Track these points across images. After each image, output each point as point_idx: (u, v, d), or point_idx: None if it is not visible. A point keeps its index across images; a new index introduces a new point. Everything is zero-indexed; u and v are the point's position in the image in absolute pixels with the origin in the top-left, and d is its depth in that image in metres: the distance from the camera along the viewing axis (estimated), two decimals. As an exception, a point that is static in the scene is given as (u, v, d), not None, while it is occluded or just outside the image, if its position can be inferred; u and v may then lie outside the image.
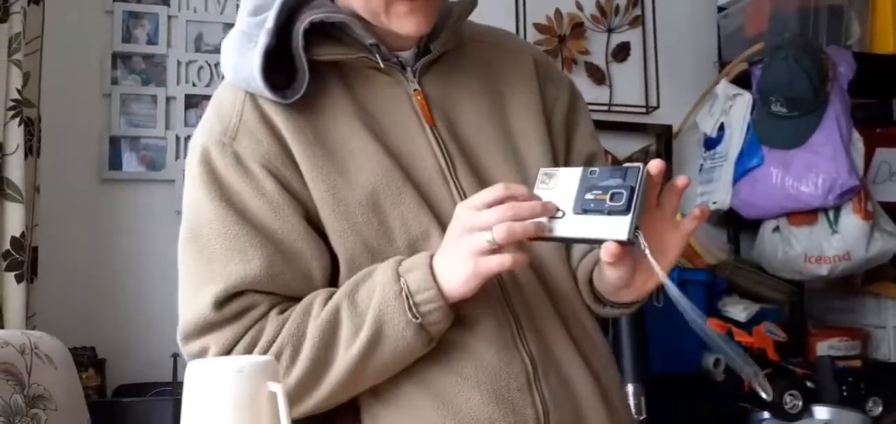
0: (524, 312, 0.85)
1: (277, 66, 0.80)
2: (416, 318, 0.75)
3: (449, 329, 0.80)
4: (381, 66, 0.84)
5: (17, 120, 1.50)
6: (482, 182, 0.85)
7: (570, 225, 0.71)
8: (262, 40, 0.78)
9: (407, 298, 0.75)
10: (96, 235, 1.89)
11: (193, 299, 0.79)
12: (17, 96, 1.49)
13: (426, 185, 0.84)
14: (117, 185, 1.93)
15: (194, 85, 1.98)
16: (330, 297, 0.79)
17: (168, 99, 1.96)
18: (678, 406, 1.81)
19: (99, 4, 1.93)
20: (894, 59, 1.97)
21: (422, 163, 0.84)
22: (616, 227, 0.69)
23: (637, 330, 1.60)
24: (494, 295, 0.84)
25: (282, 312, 0.80)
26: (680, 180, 0.76)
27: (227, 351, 0.79)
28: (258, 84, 0.79)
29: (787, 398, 1.76)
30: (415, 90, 0.86)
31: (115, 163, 1.93)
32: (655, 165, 0.73)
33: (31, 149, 1.61)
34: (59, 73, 1.84)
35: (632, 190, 0.68)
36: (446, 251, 0.76)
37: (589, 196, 0.70)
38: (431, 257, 0.77)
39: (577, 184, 0.72)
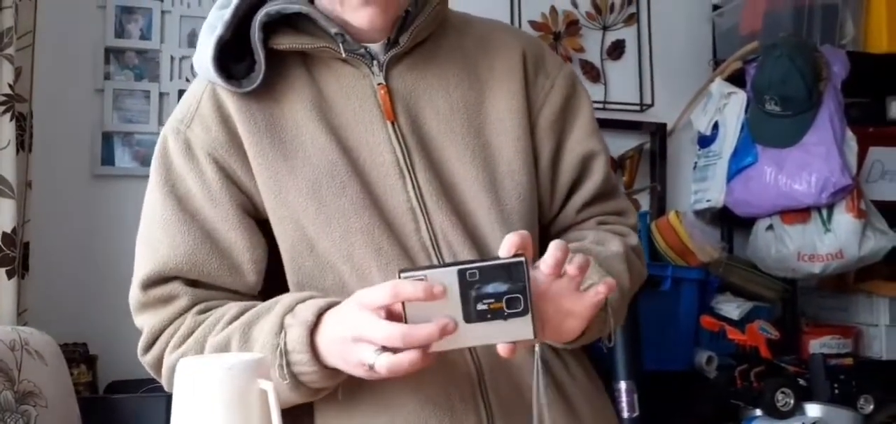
0: None
1: (239, 56, 0.81)
2: (286, 379, 0.72)
3: None
4: (343, 56, 0.82)
5: (9, 115, 1.49)
6: (441, 178, 0.83)
7: (467, 336, 0.67)
8: (217, 31, 0.79)
9: (281, 355, 0.72)
10: (88, 231, 1.88)
11: (133, 278, 0.84)
12: (8, 91, 1.48)
13: (378, 181, 0.82)
14: (110, 181, 1.92)
15: (187, 80, 1.97)
16: (239, 314, 0.78)
17: (161, 94, 1.96)
18: (671, 404, 1.82)
19: (92, -1, 1.92)
20: (888, 59, 1.98)
21: (377, 158, 0.83)
22: (520, 330, 0.66)
23: (630, 327, 1.61)
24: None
25: (202, 312, 0.81)
26: (572, 267, 0.71)
27: (155, 337, 0.82)
28: (212, 74, 0.80)
29: (779, 395, 1.77)
30: (379, 84, 0.84)
31: (108, 158, 1.92)
32: (549, 257, 0.69)
33: (23, 143, 1.60)
34: (52, 68, 1.83)
35: (524, 289, 0.65)
36: (335, 330, 0.71)
37: (481, 306, 0.66)
38: (320, 314, 0.72)
39: (458, 291, 0.66)
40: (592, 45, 2.25)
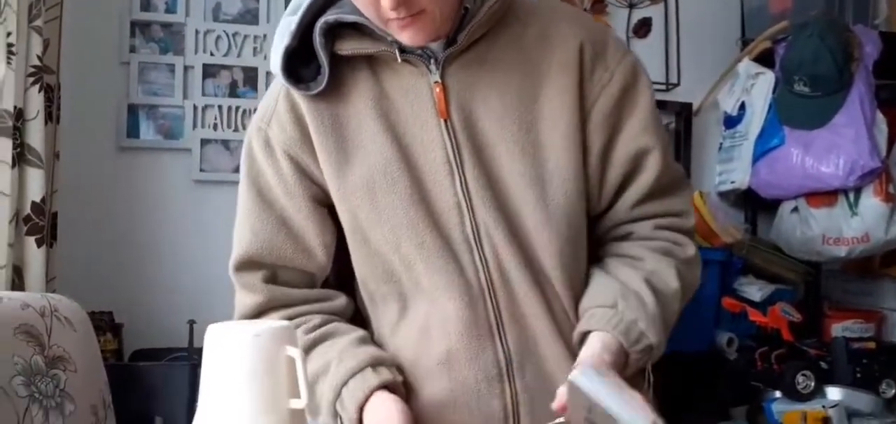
0: (507, 303, 0.86)
1: (309, 60, 0.87)
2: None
3: (428, 310, 0.86)
4: (398, 59, 0.86)
5: (38, 86, 1.50)
6: (489, 175, 0.86)
7: None
8: (285, 41, 0.85)
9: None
10: (114, 202, 1.91)
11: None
12: (37, 62, 1.50)
13: (429, 176, 0.86)
14: (135, 153, 1.94)
15: (212, 54, 1.98)
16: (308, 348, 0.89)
17: (186, 68, 1.97)
18: (690, 385, 1.82)
19: (118, -29, 1.93)
20: (922, 40, 1.93)
21: (429, 155, 0.86)
22: None
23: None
24: (475, 283, 0.85)
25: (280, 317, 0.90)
26: None
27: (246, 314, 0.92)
28: (282, 80, 0.87)
29: (800, 378, 1.76)
30: (435, 82, 0.86)
31: (133, 131, 1.94)
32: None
33: (51, 115, 1.62)
34: (78, 41, 1.84)
35: None
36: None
37: None
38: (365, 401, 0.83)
39: None
40: (619, 23, 2.22)
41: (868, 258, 1.99)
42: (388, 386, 0.84)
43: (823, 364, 1.80)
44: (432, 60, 0.87)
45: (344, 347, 0.87)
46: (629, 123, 0.90)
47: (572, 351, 0.86)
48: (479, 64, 0.88)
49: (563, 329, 0.87)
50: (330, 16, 0.84)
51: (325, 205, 0.90)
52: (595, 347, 0.82)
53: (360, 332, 0.91)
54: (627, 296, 0.84)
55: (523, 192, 0.85)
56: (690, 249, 0.92)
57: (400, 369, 0.89)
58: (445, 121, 0.86)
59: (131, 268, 1.91)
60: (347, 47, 0.86)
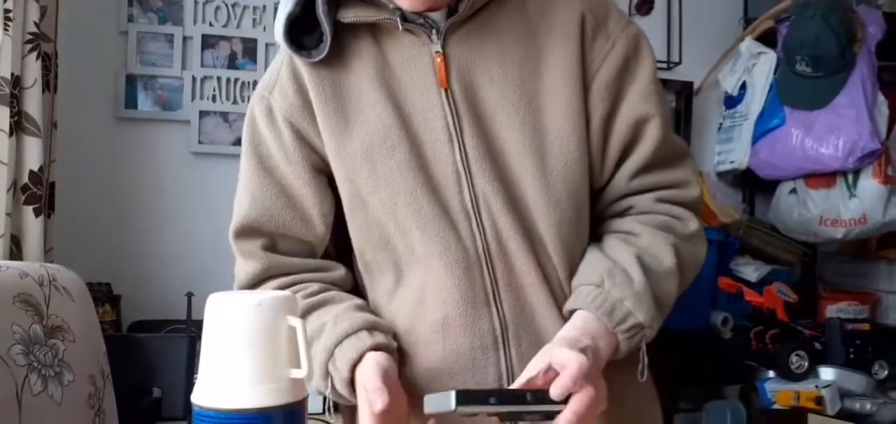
0: (504, 272, 0.85)
1: (312, 28, 0.87)
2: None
3: (423, 277, 0.86)
4: (400, 28, 0.85)
5: (35, 53, 1.49)
6: (488, 143, 0.85)
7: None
8: (285, 8, 0.86)
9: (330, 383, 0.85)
10: (112, 173, 1.91)
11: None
12: (34, 29, 1.48)
13: (428, 145, 0.86)
14: (133, 124, 1.93)
15: (211, 24, 1.97)
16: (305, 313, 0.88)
17: (185, 39, 1.95)
18: (686, 363, 1.83)
19: (115, -62, 1.91)
20: (926, 22, 1.93)
21: (429, 123, 0.86)
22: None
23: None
24: (472, 251, 0.85)
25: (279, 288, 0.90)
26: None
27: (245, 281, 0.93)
28: (284, 46, 0.87)
29: (794, 358, 1.77)
30: (437, 51, 0.86)
31: (131, 101, 1.93)
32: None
33: (48, 84, 1.61)
34: (76, 9, 1.83)
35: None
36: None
37: None
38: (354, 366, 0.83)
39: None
40: (621, 0, 2.20)
41: (864, 240, 2.00)
42: (382, 349, 0.84)
43: (817, 345, 1.82)
44: (434, 30, 0.86)
45: (340, 312, 0.87)
46: (630, 91, 0.88)
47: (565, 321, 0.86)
48: (480, 34, 0.88)
49: (560, 299, 0.87)
50: None
51: (324, 174, 0.90)
52: (572, 329, 0.81)
53: (356, 300, 0.91)
54: (614, 274, 0.83)
55: (523, 161, 0.85)
56: (692, 224, 0.90)
57: (395, 336, 0.89)
58: (446, 90, 0.86)
59: (129, 240, 1.91)
60: (350, 15, 0.86)
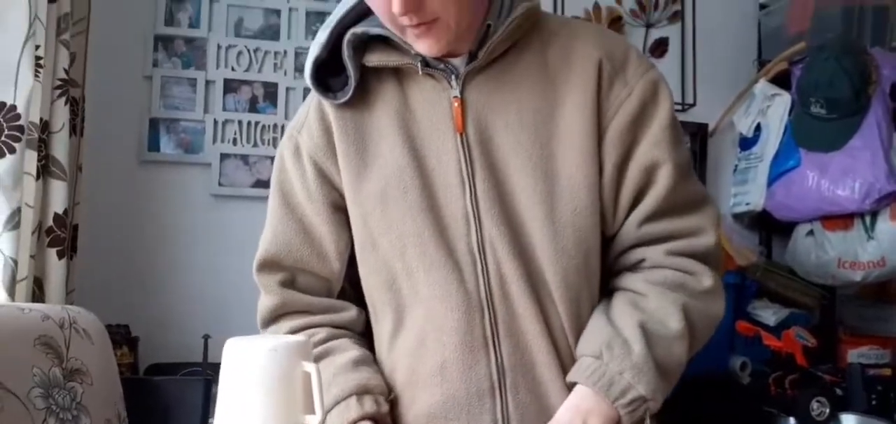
0: (505, 316, 0.86)
1: (337, 71, 0.91)
2: None
3: (425, 320, 0.87)
4: (420, 72, 0.88)
5: (64, 99, 1.53)
6: (499, 188, 0.87)
7: None
8: (313, 52, 0.90)
9: None
10: (134, 215, 1.94)
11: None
12: (64, 76, 1.53)
13: (441, 188, 0.88)
14: (155, 167, 1.97)
15: (233, 69, 2.01)
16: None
17: (207, 82, 2.00)
18: (703, 409, 1.80)
19: (143, -13, 1.97)
20: (940, 63, 1.92)
21: (443, 166, 0.88)
22: None
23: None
24: (474, 293, 0.86)
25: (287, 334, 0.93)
26: None
27: (261, 322, 0.98)
28: (311, 88, 0.92)
29: (815, 404, 1.74)
30: (454, 96, 0.89)
31: (154, 144, 1.97)
32: None
33: (75, 128, 1.65)
34: (104, 54, 1.88)
35: None
36: None
37: None
38: None
39: None
40: (636, 42, 2.22)
41: (884, 283, 1.97)
42: (370, 417, 0.85)
43: (838, 391, 1.78)
44: (454, 75, 0.89)
45: (337, 370, 0.88)
46: (644, 137, 0.88)
47: (565, 371, 0.86)
48: (499, 80, 0.89)
49: (561, 349, 0.87)
50: (358, 29, 0.89)
51: (343, 212, 0.94)
52: (565, 412, 0.82)
53: (357, 352, 0.91)
54: (613, 346, 0.81)
55: (532, 207, 0.86)
56: (706, 279, 0.88)
57: (393, 387, 0.90)
58: (461, 134, 0.88)
59: (148, 282, 1.94)
60: (374, 59, 0.90)
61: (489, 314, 0.86)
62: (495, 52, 0.88)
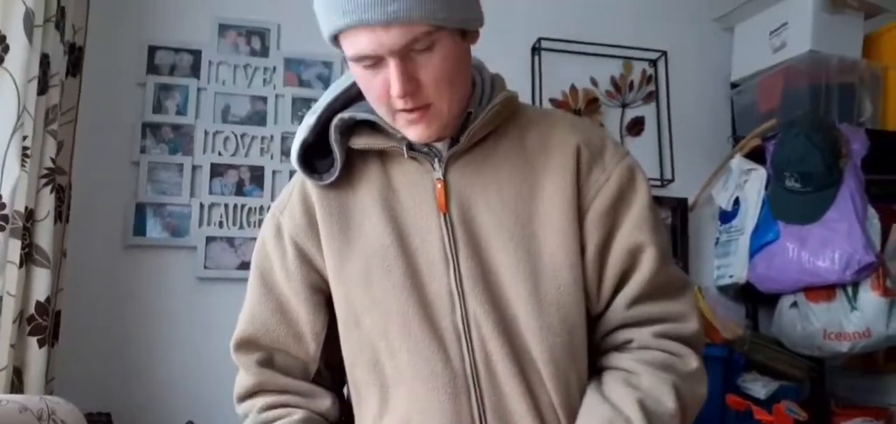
0: (491, 397, 0.86)
1: (326, 153, 0.93)
2: None
3: (410, 402, 0.87)
4: (405, 155, 0.91)
5: (50, 187, 1.54)
6: (483, 266, 0.88)
7: None
8: (300, 135, 0.93)
9: None
10: (118, 300, 1.92)
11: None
12: (50, 164, 1.55)
13: (424, 266, 0.89)
14: (140, 251, 1.96)
15: (220, 154, 2.04)
16: None
17: (194, 167, 2.02)
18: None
19: (133, 76, 2.01)
20: (908, 137, 1.99)
21: (427, 245, 0.90)
22: None
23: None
24: (460, 373, 0.86)
25: (263, 409, 0.93)
26: None
27: (237, 399, 0.98)
28: (298, 170, 0.94)
29: (809, 479, 1.71)
30: (438, 178, 0.91)
31: (140, 229, 1.97)
32: None
33: (61, 214, 1.66)
34: (92, 141, 1.90)
35: None
36: None
37: None
38: None
39: None
40: (612, 122, 2.29)
41: (872, 353, 1.98)
42: None
43: (831, 465, 1.76)
44: (437, 158, 0.91)
45: None
46: (625, 220, 0.91)
47: None
48: (480, 164, 0.92)
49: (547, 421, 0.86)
50: (346, 114, 0.92)
51: (322, 293, 0.94)
52: None
53: None
54: (615, 423, 0.82)
55: (516, 285, 0.87)
56: (693, 362, 0.89)
57: None
58: (445, 214, 0.90)
59: (131, 367, 1.91)
60: (360, 142, 0.93)
61: (476, 394, 0.86)
62: (476, 137, 0.91)
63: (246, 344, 0.96)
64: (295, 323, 0.94)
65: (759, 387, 1.97)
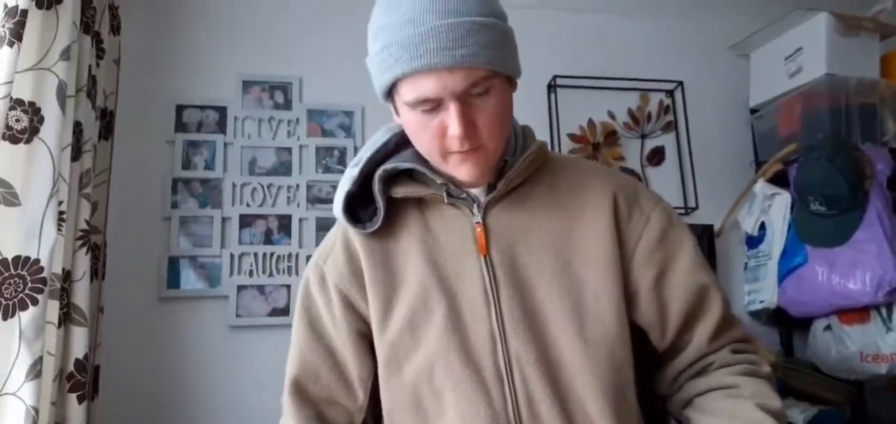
0: (530, 418, 0.88)
1: (367, 203, 0.98)
2: None
3: None
4: (445, 201, 0.95)
5: (85, 248, 1.60)
6: (525, 306, 0.91)
7: None
8: (344, 186, 0.98)
9: None
10: (154, 351, 1.97)
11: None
12: (85, 226, 1.61)
13: (466, 308, 0.92)
14: (174, 303, 2.02)
15: (248, 205, 2.10)
16: None
17: (223, 219, 2.08)
18: None
19: (162, 135, 2.09)
20: (933, 153, 1.95)
21: (468, 287, 0.93)
22: None
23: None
24: (502, 415, 0.88)
25: None
26: None
27: None
28: (342, 219, 0.98)
29: (853, 509, 1.67)
30: (477, 222, 0.95)
31: (173, 281, 2.03)
32: None
33: (97, 272, 1.72)
34: (125, 199, 1.98)
35: None
36: None
37: None
38: None
39: None
40: (632, 153, 2.29)
41: (912, 374, 1.92)
42: None
43: (876, 492, 1.71)
44: (475, 204, 0.96)
45: None
46: (680, 261, 0.95)
47: None
48: (517, 209, 0.96)
49: None
50: (389, 165, 0.97)
51: (366, 339, 0.97)
52: None
53: None
54: None
55: (561, 323, 0.90)
56: (766, 367, 0.95)
57: None
58: (485, 256, 0.93)
59: (169, 416, 1.95)
60: (401, 191, 0.97)
61: (515, 414, 0.88)
62: (513, 183, 0.96)
63: (299, 392, 0.98)
64: (344, 371, 0.97)
65: (798, 414, 1.93)
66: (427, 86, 0.85)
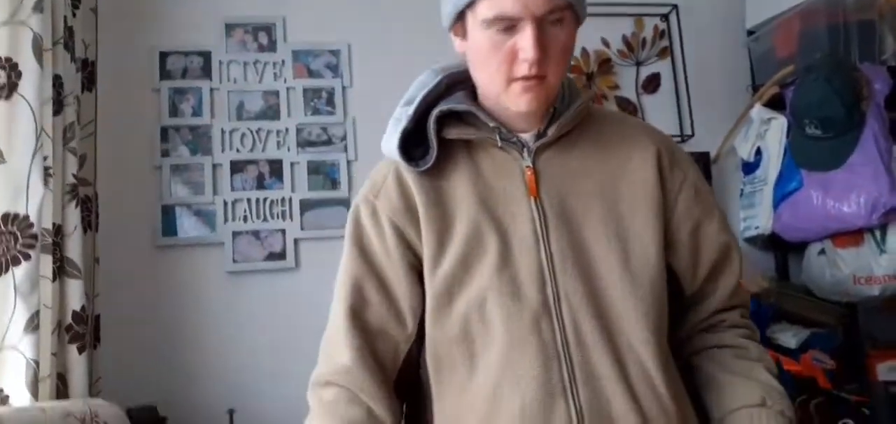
0: (581, 363, 0.92)
1: (418, 142, 1.00)
2: None
3: (500, 368, 0.92)
4: (499, 144, 0.99)
5: (75, 202, 1.60)
6: (573, 245, 0.95)
7: None
8: (402, 124, 1.00)
9: None
10: (153, 299, 1.99)
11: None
12: (72, 180, 1.60)
13: (516, 246, 0.96)
14: (170, 251, 2.03)
15: (238, 151, 2.08)
16: None
17: (214, 166, 2.07)
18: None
19: (147, 83, 2.06)
20: (933, 71, 1.91)
21: (519, 227, 0.97)
22: None
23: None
24: (550, 343, 0.92)
25: (349, 401, 0.98)
26: None
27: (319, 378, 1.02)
28: (396, 156, 1.00)
29: (842, 428, 1.70)
30: (527, 166, 0.99)
31: (169, 229, 2.03)
32: None
33: (90, 224, 1.72)
34: (113, 150, 1.95)
35: None
36: None
37: None
38: None
39: None
40: (627, 81, 2.25)
41: (906, 294, 1.93)
42: None
43: (866, 410, 1.75)
44: (525, 149, 0.99)
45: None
46: (711, 218, 1.03)
47: (645, 415, 0.91)
48: (565, 154, 1.00)
49: (639, 392, 0.92)
50: (444, 106, 1.00)
51: (417, 272, 1.00)
52: None
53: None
54: (771, 392, 0.97)
55: (607, 260, 0.95)
56: (757, 332, 1.08)
57: None
58: (535, 199, 0.97)
59: (172, 362, 1.98)
60: (454, 132, 1.00)
61: (566, 362, 0.91)
62: (564, 129, 0.99)
63: (355, 318, 0.99)
64: (395, 300, 1.00)
65: (790, 336, 1.95)
66: (508, 4, 0.88)
